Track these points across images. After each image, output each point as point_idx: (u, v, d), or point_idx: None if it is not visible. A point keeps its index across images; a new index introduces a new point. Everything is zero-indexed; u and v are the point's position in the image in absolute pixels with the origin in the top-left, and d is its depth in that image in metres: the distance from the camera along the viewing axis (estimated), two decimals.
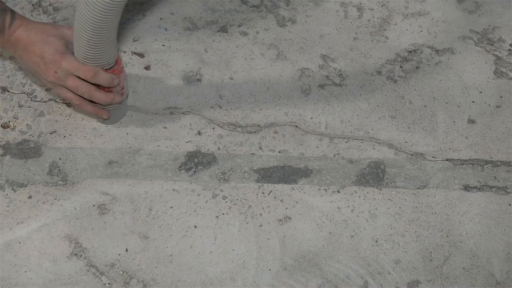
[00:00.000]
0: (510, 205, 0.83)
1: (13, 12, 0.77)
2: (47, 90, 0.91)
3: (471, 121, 0.92)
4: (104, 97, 0.79)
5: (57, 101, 0.90)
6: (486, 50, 1.00)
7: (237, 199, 0.82)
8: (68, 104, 0.89)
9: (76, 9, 0.71)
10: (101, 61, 0.76)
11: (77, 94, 0.79)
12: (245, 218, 0.80)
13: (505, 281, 0.76)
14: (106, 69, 0.78)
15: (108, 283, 0.74)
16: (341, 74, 0.96)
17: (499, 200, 0.83)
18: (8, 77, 0.92)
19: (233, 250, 0.78)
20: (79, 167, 0.83)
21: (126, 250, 0.77)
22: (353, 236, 0.79)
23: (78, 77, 0.76)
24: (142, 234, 0.78)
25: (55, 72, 0.75)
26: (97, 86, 0.78)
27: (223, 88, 0.93)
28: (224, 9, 1.03)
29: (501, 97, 0.94)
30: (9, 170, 0.82)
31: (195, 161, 0.85)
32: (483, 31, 1.02)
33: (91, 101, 0.81)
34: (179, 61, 0.96)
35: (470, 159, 0.88)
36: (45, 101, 0.90)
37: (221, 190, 0.83)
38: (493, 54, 1.00)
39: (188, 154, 0.86)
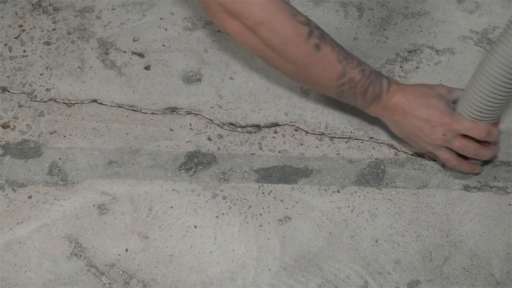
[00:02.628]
0: (510, 205, 0.83)
1: (388, 77, 0.76)
2: (47, 90, 0.91)
3: None
4: (489, 153, 0.78)
5: (57, 101, 0.90)
6: (486, 50, 1.00)
7: (237, 199, 0.82)
8: (68, 104, 0.89)
9: (486, 63, 0.67)
10: (494, 117, 0.73)
11: (456, 154, 0.77)
12: (245, 218, 0.80)
13: (505, 281, 0.76)
14: (493, 124, 0.75)
15: (108, 283, 0.74)
16: None
17: (499, 200, 0.83)
18: (8, 77, 0.92)
19: (233, 250, 0.78)
20: (79, 167, 0.83)
21: (126, 250, 0.77)
22: (353, 236, 0.79)
23: (464, 136, 0.75)
24: (142, 234, 0.78)
25: (443, 134, 0.74)
26: (479, 142, 0.76)
27: (223, 88, 0.93)
28: None
29: None
30: (9, 170, 0.82)
31: (195, 161, 0.85)
32: (483, 31, 1.02)
33: (466, 158, 0.79)
34: (179, 61, 0.96)
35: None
36: (45, 101, 0.90)
37: (221, 190, 0.83)
38: None
39: (188, 154, 0.86)
